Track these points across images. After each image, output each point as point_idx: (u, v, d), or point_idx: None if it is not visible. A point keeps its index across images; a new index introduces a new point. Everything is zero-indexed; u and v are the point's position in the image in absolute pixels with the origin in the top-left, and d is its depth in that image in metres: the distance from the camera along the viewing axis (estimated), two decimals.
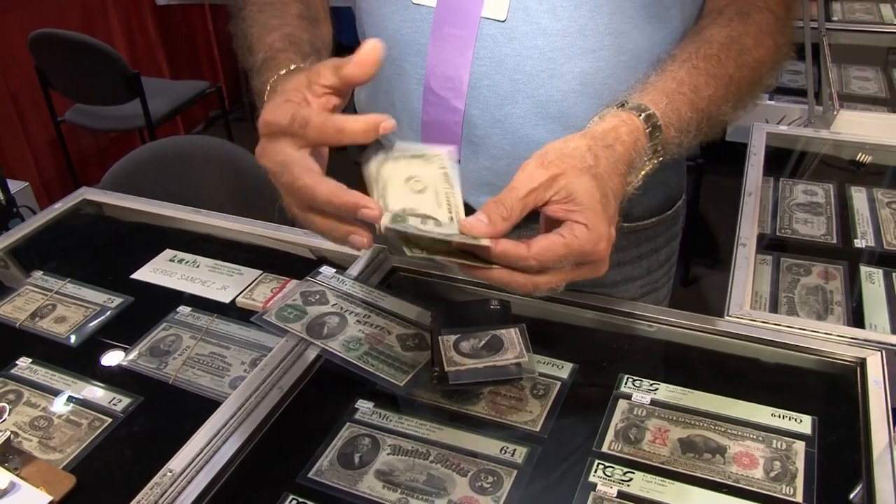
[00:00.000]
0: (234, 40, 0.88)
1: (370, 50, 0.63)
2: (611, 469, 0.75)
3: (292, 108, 0.63)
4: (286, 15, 0.86)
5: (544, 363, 0.88)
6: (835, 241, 1.19)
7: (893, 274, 1.09)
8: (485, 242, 0.61)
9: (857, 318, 1.01)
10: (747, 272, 1.02)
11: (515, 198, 0.63)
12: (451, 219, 0.64)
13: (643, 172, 0.73)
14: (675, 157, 0.76)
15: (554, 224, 0.65)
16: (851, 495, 0.72)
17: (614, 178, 0.67)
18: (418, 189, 0.66)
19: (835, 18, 2.12)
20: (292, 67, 0.75)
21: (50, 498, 0.74)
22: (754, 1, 0.85)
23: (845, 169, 1.43)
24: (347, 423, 0.82)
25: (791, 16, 0.87)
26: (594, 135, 0.69)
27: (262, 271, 1.07)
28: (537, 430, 0.80)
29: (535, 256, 0.62)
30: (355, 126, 0.62)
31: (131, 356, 0.94)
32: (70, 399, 0.88)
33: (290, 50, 0.79)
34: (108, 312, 1.02)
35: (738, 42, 0.80)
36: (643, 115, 0.71)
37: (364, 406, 0.84)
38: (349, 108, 1.05)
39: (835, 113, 1.63)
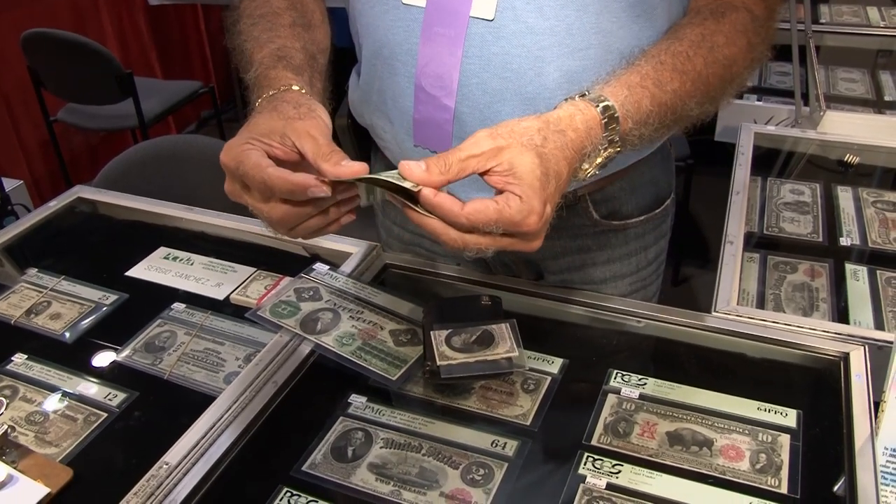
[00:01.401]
0: (231, 55, 0.89)
1: (347, 172, 0.69)
2: (600, 462, 0.76)
3: (241, 156, 0.71)
4: (277, 26, 0.88)
5: (535, 358, 0.89)
6: (821, 239, 1.21)
7: (878, 271, 1.11)
8: (407, 185, 0.66)
9: (841, 314, 1.03)
10: (734, 269, 1.04)
11: (456, 157, 0.67)
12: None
13: (599, 160, 0.75)
14: (637, 148, 0.78)
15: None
16: (835, 487, 0.73)
17: (560, 161, 0.69)
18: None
19: (822, 20, 2.14)
20: (282, 89, 0.79)
21: (48, 490, 0.75)
22: (732, 0, 0.86)
23: (832, 169, 1.45)
24: (341, 417, 0.83)
25: (772, 17, 0.88)
26: (548, 119, 0.72)
27: (255, 268, 1.08)
28: (528, 423, 0.81)
29: (466, 215, 0.65)
30: (283, 187, 0.69)
31: (126, 352, 0.95)
32: (65, 394, 0.89)
33: (278, 66, 0.82)
34: (103, 309, 1.02)
35: (709, 39, 0.81)
36: (600, 105, 0.73)
37: (357, 400, 0.85)
38: (343, 107, 1.06)
39: (821, 114, 1.65)
